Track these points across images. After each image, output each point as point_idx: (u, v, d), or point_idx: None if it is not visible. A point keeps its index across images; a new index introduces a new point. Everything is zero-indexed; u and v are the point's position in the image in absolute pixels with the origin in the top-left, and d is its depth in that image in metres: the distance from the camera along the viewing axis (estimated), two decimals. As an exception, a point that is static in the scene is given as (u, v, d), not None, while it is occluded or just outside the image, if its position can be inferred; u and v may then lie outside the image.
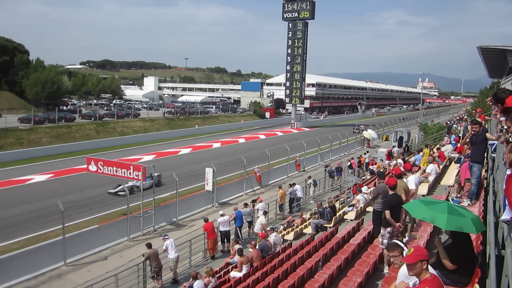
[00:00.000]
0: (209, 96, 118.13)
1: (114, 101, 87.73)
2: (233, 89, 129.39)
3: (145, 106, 72.75)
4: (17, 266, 13.62)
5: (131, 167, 19.03)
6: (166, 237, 13.77)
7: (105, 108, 68.37)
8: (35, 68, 68.43)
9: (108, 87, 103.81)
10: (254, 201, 18.75)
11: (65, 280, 13.73)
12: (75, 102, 78.84)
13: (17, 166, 31.28)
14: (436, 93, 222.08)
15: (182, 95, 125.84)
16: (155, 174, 22.47)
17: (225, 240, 15.87)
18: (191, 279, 11.00)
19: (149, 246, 12.99)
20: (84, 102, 79.21)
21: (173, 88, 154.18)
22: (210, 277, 10.61)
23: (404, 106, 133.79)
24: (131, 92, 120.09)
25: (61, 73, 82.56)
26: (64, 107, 62.19)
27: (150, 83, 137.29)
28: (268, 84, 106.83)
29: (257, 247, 12.45)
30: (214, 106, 78.63)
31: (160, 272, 12.74)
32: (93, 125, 47.71)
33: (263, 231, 14.64)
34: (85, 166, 21.57)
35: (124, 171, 19.06)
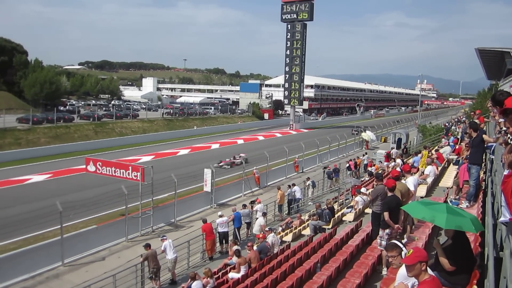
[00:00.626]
0: (207, 97, 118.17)
1: (112, 102, 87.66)
2: (232, 90, 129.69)
3: (144, 107, 72.69)
4: (14, 266, 13.59)
5: (130, 167, 19.03)
6: (164, 237, 13.77)
7: (104, 108, 68.30)
8: (34, 68, 68.32)
9: (107, 87, 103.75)
10: (252, 202, 18.77)
11: (63, 280, 13.70)
12: (74, 102, 78.78)
13: (15, 166, 31.21)
14: (435, 95, 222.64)
15: (180, 96, 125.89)
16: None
17: (224, 241, 15.85)
18: (189, 280, 11.00)
19: (147, 246, 12.97)
20: (82, 103, 79.07)
21: (171, 89, 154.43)
22: (208, 278, 10.61)
23: (403, 108, 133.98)
24: (129, 93, 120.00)
25: (60, 74, 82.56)
26: (63, 108, 62.11)
27: (148, 84, 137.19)
28: (266, 85, 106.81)
29: (255, 248, 12.46)
30: (212, 107, 78.57)
31: (158, 273, 12.72)
32: (91, 125, 47.65)
33: (262, 233, 14.65)
34: (84, 166, 21.56)
35: (123, 172, 19.07)
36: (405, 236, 8.57)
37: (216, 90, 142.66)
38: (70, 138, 42.44)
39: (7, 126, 39.52)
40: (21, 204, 20.94)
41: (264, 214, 17.04)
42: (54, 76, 68.96)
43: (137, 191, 17.94)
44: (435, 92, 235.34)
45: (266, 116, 77.11)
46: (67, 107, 65.85)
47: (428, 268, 4.02)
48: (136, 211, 17.93)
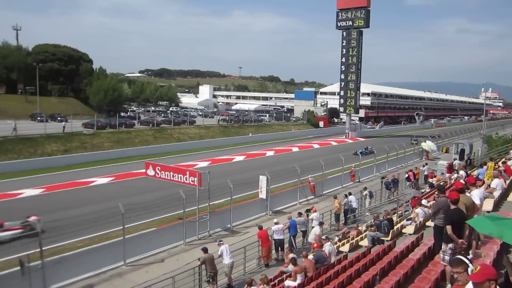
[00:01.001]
0: (262, 105, 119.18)
1: (170, 108, 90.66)
2: (287, 98, 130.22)
3: (200, 113, 74.73)
4: (81, 263, 14.39)
5: (187, 172, 19.53)
6: (221, 242, 14.00)
7: (163, 115, 70.85)
8: (98, 76, 72.38)
9: (165, 94, 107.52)
10: (308, 211, 18.64)
11: (125, 279, 14.33)
12: (134, 108, 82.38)
13: (81, 169, 33.09)
14: (501, 104, 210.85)
15: (236, 103, 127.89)
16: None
17: (279, 249, 15.86)
18: (246, 285, 11.14)
19: (205, 250, 13.25)
20: (142, 109, 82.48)
21: (227, 96, 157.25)
22: (264, 285, 10.66)
23: (466, 117, 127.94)
24: (187, 100, 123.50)
25: (122, 81, 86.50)
26: (124, 114, 65.15)
27: (205, 91, 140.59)
28: (321, 93, 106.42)
29: (311, 257, 12.37)
30: (267, 115, 79.19)
31: (216, 277, 12.95)
32: (151, 131, 49.60)
33: (318, 242, 14.51)
34: (144, 170, 22.44)
35: (181, 177, 19.61)
36: (470, 252, 8.20)
37: (271, 98, 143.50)
38: (131, 143, 44.39)
39: (74, 130, 42.21)
40: (87, 205, 22.14)
41: (321, 224, 16.87)
42: (117, 83, 72.58)
43: (194, 196, 18.31)
44: (501, 100, 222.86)
45: (321, 124, 76.56)
46: (128, 113, 69.04)
47: (497, 287, 3.86)
48: (193, 215, 18.34)
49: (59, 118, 50.61)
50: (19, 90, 71.76)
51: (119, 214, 15.35)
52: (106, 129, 46.43)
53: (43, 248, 13.29)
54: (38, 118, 50.66)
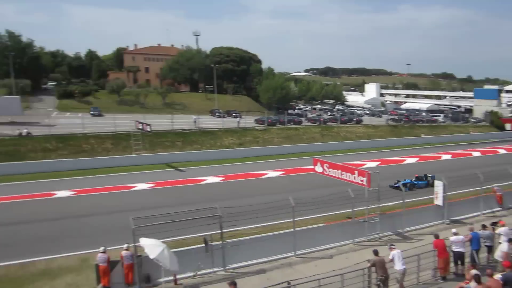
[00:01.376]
0: (435, 104, 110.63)
1: (336, 107, 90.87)
2: (464, 97, 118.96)
3: (367, 112, 73.22)
4: (255, 249, 15.39)
5: (356, 172, 19.10)
6: (392, 246, 13.35)
7: (329, 113, 71.52)
8: (267, 75, 77.04)
9: (331, 93, 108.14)
10: (494, 224, 16.47)
11: (295, 269, 14.79)
12: (301, 106, 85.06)
13: (254, 162, 35.68)
14: None
15: (405, 102, 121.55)
16: None
17: (459, 262, 14.39)
18: (421, 296, 10.38)
19: (375, 253, 12.81)
20: (309, 107, 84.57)
21: (395, 95, 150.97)
22: (444, 299, 9.79)
23: None
24: (352, 98, 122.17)
25: (289, 80, 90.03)
26: (292, 111, 67.81)
27: (371, 89, 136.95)
28: (507, 91, 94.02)
29: (499, 276, 10.93)
30: (442, 115, 73.42)
31: (387, 282, 12.40)
32: (318, 128, 50.57)
33: (507, 260, 12.73)
34: (311, 166, 22.81)
35: (349, 175, 19.30)
36: None
37: (445, 97, 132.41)
38: (299, 139, 46.01)
39: (247, 126, 45.85)
40: (259, 195, 23.65)
41: (511, 241, 14.73)
42: (284, 82, 75.96)
43: (362, 196, 17.83)
44: None
45: (507, 126, 67.43)
46: (296, 110, 71.62)
47: None
48: (362, 215, 17.93)
49: (234, 114, 55.44)
50: (200, 89, 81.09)
51: (289, 206, 15.91)
52: (275, 126, 49.11)
53: (223, 231, 14.57)
54: (217, 114, 56.59)
